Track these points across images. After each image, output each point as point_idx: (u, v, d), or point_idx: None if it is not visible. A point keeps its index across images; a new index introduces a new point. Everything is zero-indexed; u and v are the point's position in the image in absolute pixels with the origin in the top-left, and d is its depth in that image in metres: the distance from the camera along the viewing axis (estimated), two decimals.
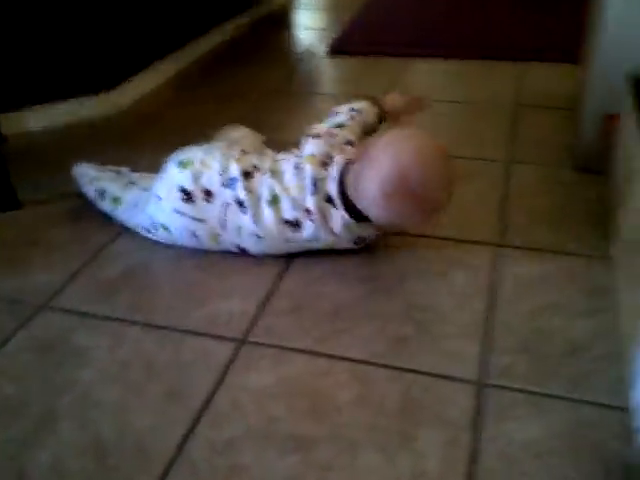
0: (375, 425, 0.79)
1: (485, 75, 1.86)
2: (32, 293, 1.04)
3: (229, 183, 1.02)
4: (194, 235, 1.06)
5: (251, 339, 0.93)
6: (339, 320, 0.95)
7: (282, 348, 0.91)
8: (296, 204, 0.99)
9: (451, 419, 0.79)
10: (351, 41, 2.19)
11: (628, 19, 1.16)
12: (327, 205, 0.99)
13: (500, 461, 0.74)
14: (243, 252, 1.07)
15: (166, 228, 1.08)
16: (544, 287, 1.00)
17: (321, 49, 2.15)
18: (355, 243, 1.04)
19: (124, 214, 1.16)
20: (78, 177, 1.26)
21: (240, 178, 1.02)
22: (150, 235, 1.13)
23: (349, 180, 0.98)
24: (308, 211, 0.99)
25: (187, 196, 1.03)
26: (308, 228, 1.00)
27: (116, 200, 1.17)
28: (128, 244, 1.15)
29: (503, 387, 0.83)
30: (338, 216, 0.99)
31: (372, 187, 0.93)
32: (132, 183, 1.20)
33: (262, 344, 0.92)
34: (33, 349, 0.92)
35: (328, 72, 2.00)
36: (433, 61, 1.99)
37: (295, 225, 1.00)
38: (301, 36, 2.42)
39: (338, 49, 2.12)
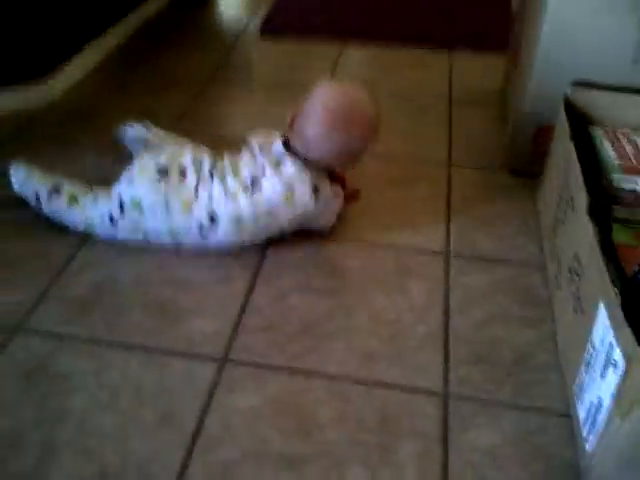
0: (357, 441, 0.88)
1: (419, 66, 1.93)
2: (2, 315, 1.04)
3: (199, 167, 1.13)
4: (166, 206, 1.10)
5: (231, 357, 0.99)
6: (310, 337, 1.03)
7: (261, 366, 0.98)
8: (252, 169, 1.12)
9: (423, 431, 0.90)
10: (283, 21, 2.19)
11: (563, 36, 1.26)
12: (278, 161, 1.12)
13: (466, 469, 0.85)
14: (212, 222, 1.11)
15: (137, 203, 1.11)
16: (491, 297, 1.11)
17: (251, 29, 2.14)
18: (315, 198, 1.12)
19: (83, 210, 1.16)
20: (20, 175, 1.21)
21: (208, 161, 1.15)
22: (112, 229, 1.14)
23: (293, 136, 1.12)
24: (263, 169, 1.11)
25: (163, 173, 1.12)
26: (266, 186, 1.10)
27: (73, 198, 1.17)
28: (91, 257, 1.16)
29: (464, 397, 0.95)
30: (287, 161, 1.11)
31: (313, 127, 1.10)
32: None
33: (242, 363, 0.98)
34: (18, 377, 0.94)
35: (262, 56, 2.01)
36: (367, 47, 2.04)
37: (254, 185, 1.11)
38: (228, 13, 2.38)
39: (270, 29, 2.13)
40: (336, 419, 0.91)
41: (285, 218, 1.14)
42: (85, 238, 1.19)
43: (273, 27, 2.13)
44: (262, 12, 2.25)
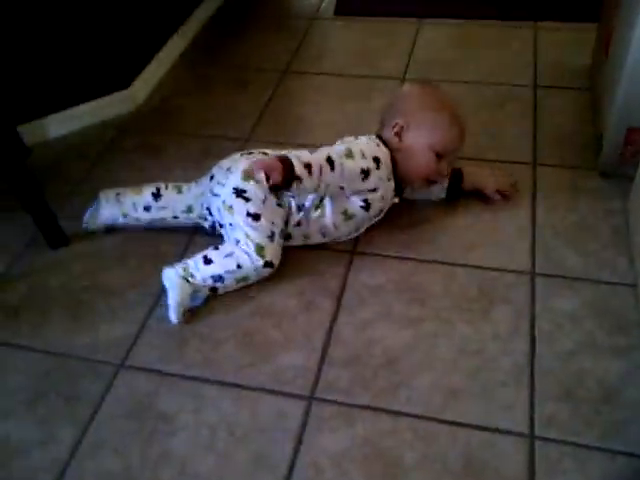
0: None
1: (500, 43, 1.84)
2: (106, 350, 1.12)
3: None
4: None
5: (318, 396, 1.03)
6: (394, 372, 1.05)
7: (347, 405, 1.01)
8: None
9: (508, 476, 0.91)
10: (357, 1, 2.13)
11: None
12: None
13: None
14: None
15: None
16: (578, 323, 1.09)
17: (326, 9, 2.09)
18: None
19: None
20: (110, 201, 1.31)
21: None
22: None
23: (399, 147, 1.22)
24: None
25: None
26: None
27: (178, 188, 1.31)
28: None
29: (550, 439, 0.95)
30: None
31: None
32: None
33: (328, 401, 1.02)
34: (124, 416, 1.02)
35: (338, 40, 1.95)
36: (444, 24, 1.95)
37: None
38: None
39: (345, 10, 2.07)
40: (421, 462, 0.94)
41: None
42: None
43: (348, 7, 2.07)
44: None
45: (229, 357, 1.10)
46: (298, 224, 1.21)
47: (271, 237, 1.17)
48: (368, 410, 1.00)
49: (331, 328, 1.12)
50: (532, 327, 1.09)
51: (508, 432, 0.96)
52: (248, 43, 1.95)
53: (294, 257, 1.24)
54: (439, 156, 1.22)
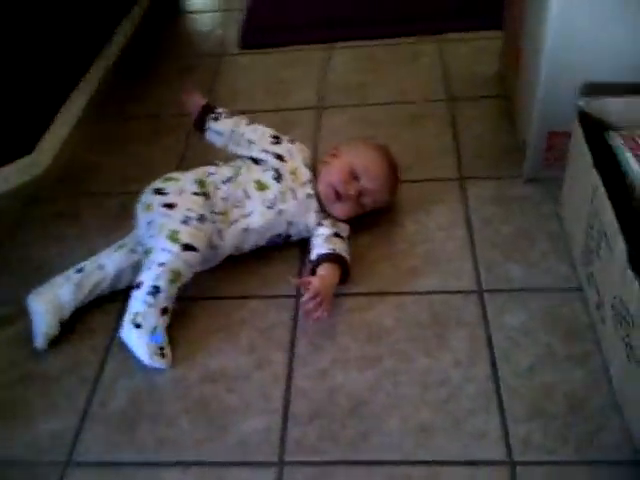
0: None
1: (408, 60, 1.85)
2: (49, 449, 1.02)
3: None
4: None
5: (287, 459, 0.97)
6: (360, 419, 1.00)
7: (319, 464, 0.96)
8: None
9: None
10: (262, 28, 2.10)
11: (570, 38, 1.18)
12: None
13: None
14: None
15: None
16: (534, 336, 1.08)
17: (231, 41, 2.05)
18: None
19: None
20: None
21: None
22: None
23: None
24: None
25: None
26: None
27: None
28: (120, 365, 1.13)
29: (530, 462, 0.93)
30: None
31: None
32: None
33: (299, 463, 0.97)
34: None
35: (251, 76, 1.90)
36: (352, 46, 1.95)
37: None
38: (201, 24, 2.27)
39: (250, 43, 2.04)
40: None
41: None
42: (109, 340, 1.16)
43: (253, 40, 2.04)
44: (241, 17, 2.15)
45: (183, 434, 1.02)
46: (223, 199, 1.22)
47: (185, 222, 1.15)
48: (342, 465, 0.96)
49: (289, 383, 1.07)
50: (490, 348, 1.08)
51: (487, 463, 0.94)
52: (156, 89, 1.88)
53: (237, 311, 1.19)
54: (355, 177, 1.23)
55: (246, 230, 1.22)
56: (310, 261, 1.20)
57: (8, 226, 1.45)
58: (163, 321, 1.10)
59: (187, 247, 1.13)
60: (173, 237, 1.13)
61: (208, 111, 1.32)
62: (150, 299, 1.09)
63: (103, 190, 1.53)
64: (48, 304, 1.16)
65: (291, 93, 1.78)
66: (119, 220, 1.39)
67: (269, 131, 1.31)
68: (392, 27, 2.00)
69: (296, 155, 1.29)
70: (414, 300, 1.17)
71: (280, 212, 1.23)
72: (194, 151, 1.61)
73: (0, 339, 1.20)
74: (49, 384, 1.11)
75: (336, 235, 1.22)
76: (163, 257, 1.12)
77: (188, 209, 1.17)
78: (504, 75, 1.65)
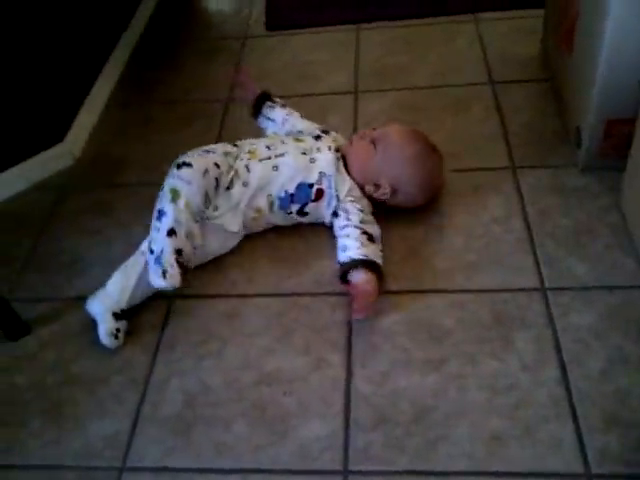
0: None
1: (444, 41, 1.77)
2: (101, 454, 0.98)
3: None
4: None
5: (352, 468, 0.93)
6: (427, 426, 0.96)
7: (386, 474, 0.92)
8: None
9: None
10: (287, 7, 2.02)
11: (633, 24, 1.12)
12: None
13: None
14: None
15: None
16: (604, 338, 1.04)
17: (254, 21, 1.98)
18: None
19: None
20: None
21: None
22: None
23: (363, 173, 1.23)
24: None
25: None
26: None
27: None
28: (170, 365, 1.09)
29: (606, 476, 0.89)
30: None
31: (418, 199, 1.24)
32: None
33: (364, 472, 0.93)
34: None
35: (278, 59, 1.83)
36: (382, 27, 1.87)
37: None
38: (221, 3, 2.18)
39: (276, 23, 1.96)
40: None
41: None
42: (158, 339, 1.12)
43: (278, 21, 1.96)
44: (258, 0, 2.08)
45: (241, 438, 0.98)
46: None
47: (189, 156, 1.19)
48: (411, 475, 0.92)
49: (348, 386, 1.02)
50: (558, 351, 1.03)
51: (563, 475, 0.89)
52: (181, 73, 1.82)
53: (290, 309, 1.14)
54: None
55: (276, 168, 1.20)
56: (342, 263, 1.14)
57: (42, 219, 1.40)
58: (169, 243, 1.10)
59: (182, 165, 1.16)
60: (174, 165, 1.18)
61: (265, 98, 1.38)
62: (157, 223, 1.13)
63: (135, 180, 1.47)
64: (102, 303, 1.12)
65: (323, 77, 1.72)
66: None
67: (318, 126, 1.34)
68: (424, 6, 1.92)
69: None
70: (474, 298, 1.12)
71: (313, 160, 1.21)
72: (228, 137, 1.55)
73: (44, 338, 1.15)
74: (98, 385, 1.07)
75: (366, 235, 1.16)
76: (164, 184, 1.17)
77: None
78: (549, 57, 1.58)
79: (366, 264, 1.12)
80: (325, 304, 1.14)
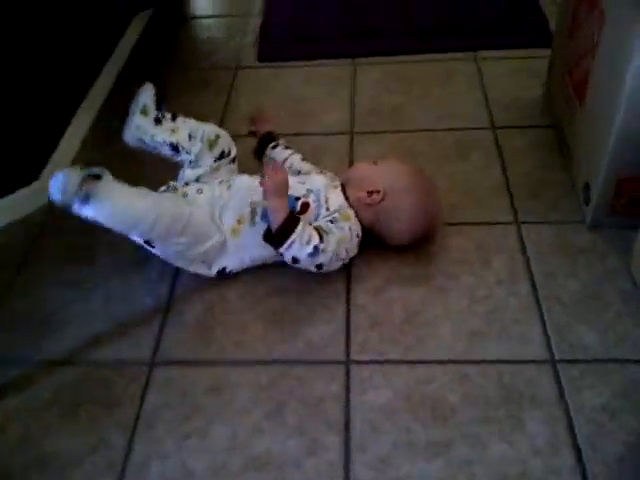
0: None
1: (444, 80, 1.71)
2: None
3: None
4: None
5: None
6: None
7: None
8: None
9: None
10: (280, 38, 1.95)
11: None
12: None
13: None
14: None
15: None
16: (620, 420, 0.97)
17: (246, 51, 1.90)
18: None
19: None
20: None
21: None
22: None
23: (368, 209, 1.20)
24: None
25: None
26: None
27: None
28: (153, 444, 0.99)
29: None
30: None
31: (404, 229, 1.20)
32: None
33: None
34: None
35: (271, 93, 1.75)
36: (380, 62, 1.81)
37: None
38: (211, 32, 2.09)
39: (269, 55, 1.89)
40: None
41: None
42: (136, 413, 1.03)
43: (271, 52, 1.89)
44: (251, 29, 2.01)
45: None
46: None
47: None
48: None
49: (347, 475, 0.94)
50: (572, 433, 0.96)
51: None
52: (168, 105, 1.72)
53: (282, 380, 1.06)
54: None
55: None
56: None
57: (14, 266, 1.30)
58: None
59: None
60: None
61: (269, 139, 1.38)
62: None
63: None
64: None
65: (318, 115, 1.64)
66: (137, 263, 1.26)
67: (315, 168, 1.33)
68: (422, 42, 1.87)
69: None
70: (480, 370, 1.05)
71: (302, 181, 1.22)
72: None
73: (10, 409, 1.05)
74: (70, 469, 0.97)
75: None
76: None
77: None
78: (553, 103, 1.53)
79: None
80: (320, 374, 1.06)
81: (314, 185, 1.20)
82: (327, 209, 1.17)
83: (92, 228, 1.35)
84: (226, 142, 1.28)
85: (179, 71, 1.87)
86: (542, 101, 1.60)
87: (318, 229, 1.11)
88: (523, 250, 1.24)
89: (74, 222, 1.36)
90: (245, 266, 1.21)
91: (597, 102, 1.21)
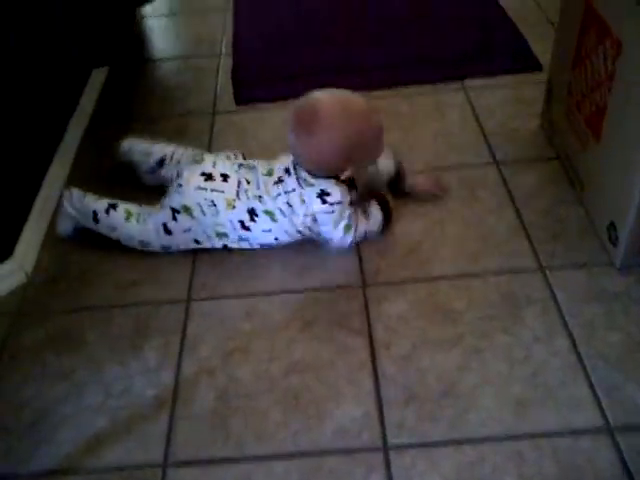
0: None
1: (435, 114, 1.63)
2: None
3: (237, 169, 1.27)
4: (213, 204, 1.22)
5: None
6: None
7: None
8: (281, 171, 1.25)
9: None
10: (254, 79, 1.84)
11: None
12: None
13: None
14: (251, 215, 1.23)
15: (187, 209, 1.24)
16: None
17: (222, 96, 1.79)
18: (322, 201, 1.20)
19: (139, 224, 1.27)
20: (74, 197, 1.32)
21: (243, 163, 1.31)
22: (167, 239, 1.27)
23: (300, 152, 1.20)
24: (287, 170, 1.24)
25: (207, 176, 1.24)
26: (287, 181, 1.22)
27: (129, 213, 1.28)
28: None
29: None
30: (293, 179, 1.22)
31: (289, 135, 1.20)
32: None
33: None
34: None
35: (254, 138, 1.63)
36: (367, 96, 1.71)
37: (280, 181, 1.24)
38: (179, 77, 1.93)
39: (246, 97, 1.78)
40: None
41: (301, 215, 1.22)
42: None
43: (249, 94, 1.78)
44: (223, 70, 1.89)
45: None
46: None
47: None
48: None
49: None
50: None
51: None
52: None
53: (313, 476, 0.94)
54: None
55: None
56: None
57: None
58: None
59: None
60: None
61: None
62: None
63: (104, 302, 1.24)
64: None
65: None
66: (134, 343, 1.14)
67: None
68: (404, 73, 1.79)
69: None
70: (533, 445, 0.95)
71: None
72: None
73: None
74: None
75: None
76: None
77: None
78: (555, 134, 1.45)
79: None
80: (356, 465, 0.95)
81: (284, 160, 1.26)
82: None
83: (77, 306, 1.23)
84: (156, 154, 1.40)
85: (151, 120, 1.74)
86: (542, 132, 1.53)
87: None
88: (554, 300, 1.15)
89: (56, 301, 1.25)
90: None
91: (618, 138, 1.14)
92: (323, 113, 1.17)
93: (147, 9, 2.17)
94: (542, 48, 1.77)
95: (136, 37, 2.10)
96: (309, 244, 1.29)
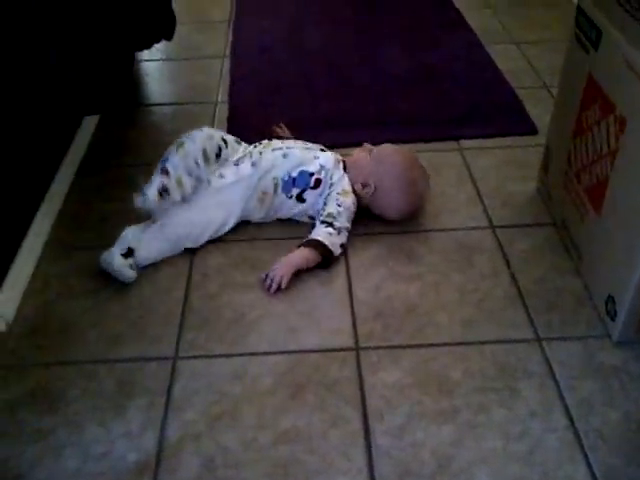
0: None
1: (433, 174, 1.61)
2: None
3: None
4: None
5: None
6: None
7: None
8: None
9: None
10: (251, 130, 1.79)
11: None
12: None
13: None
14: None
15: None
16: None
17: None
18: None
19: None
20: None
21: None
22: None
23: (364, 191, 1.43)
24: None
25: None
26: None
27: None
28: None
29: None
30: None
31: (398, 205, 1.44)
32: None
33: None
34: None
35: None
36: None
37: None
38: (173, 123, 1.90)
39: None
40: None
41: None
42: None
43: None
44: (218, 122, 1.89)
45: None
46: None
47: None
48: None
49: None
50: None
51: None
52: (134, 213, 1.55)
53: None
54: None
55: (285, 156, 1.42)
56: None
57: None
58: (159, 178, 1.32)
59: (197, 129, 1.40)
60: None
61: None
62: (159, 164, 1.35)
63: (87, 357, 1.20)
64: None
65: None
66: (116, 401, 1.09)
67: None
68: (398, 131, 1.78)
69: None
70: None
71: (316, 156, 1.44)
72: (200, 293, 1.32)
73: None
74: None
75: (328, 223, 1.36)
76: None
77: None
78: (551, 201, 1.45)
79: (311, 244, 1.33)
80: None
81: (327, 162, 1.42)
82: (330, 185, 1.40)
83: (59, 360, 1.18)
84: (210, 145, 1.39)
85: (146, 166, 1.71)
86: (538, 196, 1.53)
87: (330, 216, 1.36)
88: (551, 374, 1.13)
89: (37, 354, 1.20)
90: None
91: (619, 214, 1.14)
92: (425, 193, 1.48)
93: (143, 53, 2.16)
94: (538, 112, 1.79)
95: (131, 81, 2.09)
96: (302, 303, 1.26)
